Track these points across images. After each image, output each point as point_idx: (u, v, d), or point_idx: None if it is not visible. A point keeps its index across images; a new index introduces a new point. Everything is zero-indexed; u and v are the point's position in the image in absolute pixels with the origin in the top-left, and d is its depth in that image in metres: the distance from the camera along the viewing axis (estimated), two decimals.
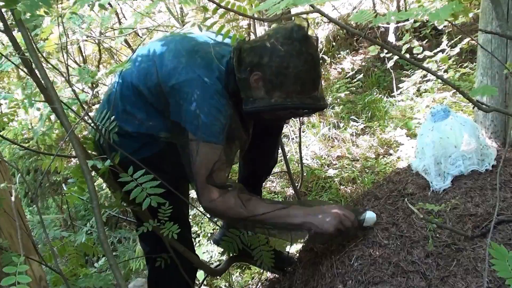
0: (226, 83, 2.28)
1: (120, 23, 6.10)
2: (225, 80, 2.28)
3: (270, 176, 4.61)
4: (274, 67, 2.18)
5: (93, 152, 2.38)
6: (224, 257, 3.67)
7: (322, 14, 1.63)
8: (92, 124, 2.13)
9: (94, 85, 6.12)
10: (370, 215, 2.40)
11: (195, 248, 2.98)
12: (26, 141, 5.08)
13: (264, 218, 2.37)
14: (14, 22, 1.74)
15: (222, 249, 3.25)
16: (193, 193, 4.19)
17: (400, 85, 5.98)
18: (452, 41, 5.86)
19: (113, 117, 2.20)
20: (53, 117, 2.45)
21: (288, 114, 2.44)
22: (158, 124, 2.37)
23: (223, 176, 2.34)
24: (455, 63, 5.76)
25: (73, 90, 1.97)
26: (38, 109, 2.19)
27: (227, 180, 2.38)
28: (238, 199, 2.34)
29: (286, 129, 5.58)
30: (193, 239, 3.14)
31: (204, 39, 2.43)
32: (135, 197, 1.92)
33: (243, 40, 2.32)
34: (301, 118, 5.22)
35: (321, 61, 6.30)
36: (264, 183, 4.14)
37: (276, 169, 4.74)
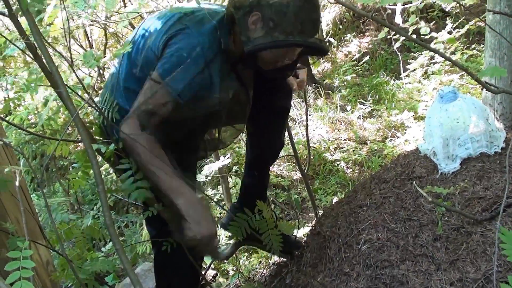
0: (217, 37, 2.25)
1: (125, 6, 6.07)
2: (217, 33, 2.26)
3: (277, 160, 4.61)
4: (274, 6, 2.15)
5: (99, 138, 2.37)
6: (231, 241, 3.67)
7: None
8: (96, 108, 2.12)
9: (100, 70, 6.12)
10: None
11: None
12: (33, 126, 5.08)
13: (151, 175, 2.19)
14: (18, 6, 1.73)
15: (229, 233, 3.24)
16: (200, 177, 4.20)
17: (407, 66, 5.95)
18: (458, 22, 5.82)
19: (113, 96, 2.20)
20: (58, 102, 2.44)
21: (291, 57, 2.40)
22: None
23: (156, 123, 2.23)
24: (462, 45, 5.73)
25: (76, 75, 1.96)
26: (37, 92, 2.18)
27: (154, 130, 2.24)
28: (148, 146, 2.19)
29: (292, 113, 5.57)
30: None
31: (197, 6, 2.40)
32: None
33: None
34: (308, 98, 5.18)
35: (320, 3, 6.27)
36: (271, 167, 4.13)
37: (283, 153, 4.74)
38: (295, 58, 2.42)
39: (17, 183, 1.89)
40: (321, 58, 6.88)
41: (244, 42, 2.22)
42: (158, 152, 2.23)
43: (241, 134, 3.07)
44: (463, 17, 6.00)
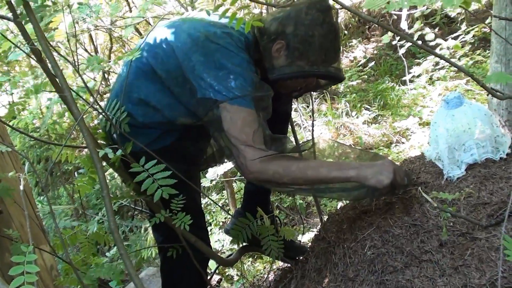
0: (250, 54, 2.26)
1: (131, 11, 6.08)
2: (249, 50, 2.26)
3: None
4: (299, 36, 2.19)
5: (103, 143, 2.36)
6: (236, 246, 3.67)
7: (335, 1, 1.61)
8: (103, 115, 2.11)
9: (105, 74, 6.13)
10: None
11: None
12: (37, 130, 5.08)
13: (314, 175, 2.24)
14: (24, 12, 1.73)
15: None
16: (204, 182, 4.20)
17: (412, 71, 5.95)
18: (465, 29, 5.82)
19: (124, 107, 2.18)
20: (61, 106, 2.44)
21: (310, 83, 2.42)
22: (176, 109, 2.32)
23: (261, 140, 2.23)
24: (468, 50, 5.72)
25: (82, 79, 1.96)
26: (36, 98, 2.18)
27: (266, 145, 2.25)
28: (279, 164, 2.21)
29: (297, 118, 5.56)
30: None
31: (215, 20, 2.38)
32: (147, 188, 1.89)
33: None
34: (313, 104, 5.17)
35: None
36: None
37: None
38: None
39: (21, 187, 1.89)
40: None
41: (268, 69, 2.25)
42: (290, 160, 2.26)
43: None
44: (469, 23, 5.99)
